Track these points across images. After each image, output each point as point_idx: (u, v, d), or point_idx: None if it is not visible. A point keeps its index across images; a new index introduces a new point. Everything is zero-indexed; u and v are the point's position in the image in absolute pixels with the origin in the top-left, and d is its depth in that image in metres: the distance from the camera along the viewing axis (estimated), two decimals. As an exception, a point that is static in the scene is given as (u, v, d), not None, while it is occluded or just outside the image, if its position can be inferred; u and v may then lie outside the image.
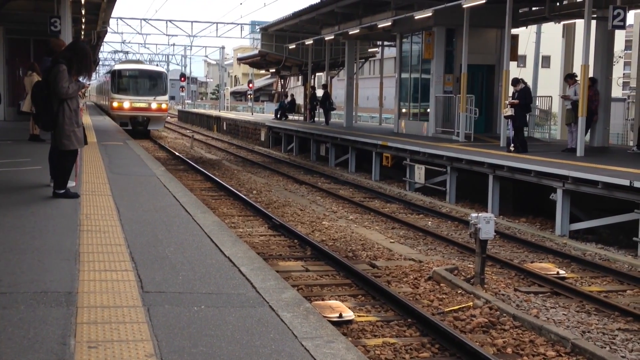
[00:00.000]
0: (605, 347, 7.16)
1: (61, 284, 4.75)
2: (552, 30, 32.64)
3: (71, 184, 8.79)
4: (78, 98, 8.42)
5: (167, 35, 48.29)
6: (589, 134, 18.40)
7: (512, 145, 16.66)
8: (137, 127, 32.95)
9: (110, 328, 3.93)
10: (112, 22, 41.99)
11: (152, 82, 34.39)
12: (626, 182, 11.29)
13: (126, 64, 37.46)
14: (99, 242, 6.12)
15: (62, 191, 8.34)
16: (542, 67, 34.53)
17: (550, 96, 22.00)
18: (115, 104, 33.38)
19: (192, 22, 57.82)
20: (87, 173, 10.84)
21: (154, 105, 33.38)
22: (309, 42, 31.42)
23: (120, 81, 34.28)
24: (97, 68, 59.41)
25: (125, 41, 51.00)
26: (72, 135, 8.16)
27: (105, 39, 42.56)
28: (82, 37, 29.04)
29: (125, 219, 7.20)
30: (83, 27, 26.63)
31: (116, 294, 4.60)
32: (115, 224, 6.96)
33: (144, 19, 47.32)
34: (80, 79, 8.64)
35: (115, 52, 68.23)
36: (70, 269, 5.15)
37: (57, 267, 5.18)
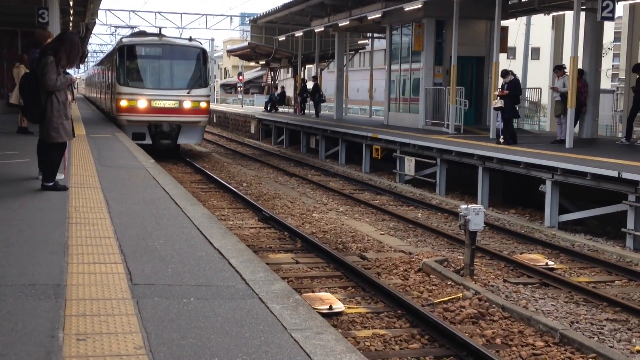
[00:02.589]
0: (593, 337, 7.20)
1: (50, 277, 4.73)
2: (542, 22, 32.70)
3: (60, 176, 8.75)
4: (66, 90, 8.36)
5: (156, 27, 48.10)
6: (578, 125, 18.46)
7: (501, 137, 16.70)
8: (161, 142, 20.81)
9: (99, 320, 3.92)
10: (100, 13, 41.76)
11: (186, 65, 21.75)
12: (614, 174, 11.34)
13: (141, 37, 23.27)
14: (88, 234, 6.10)
15: (51, 184, 8.30)
16: (531, 58, 34.62)
17: (540, 88, 22.06)
18: (123, 103, 20.63)
19: (181, 13, 57.75)
20: (76, 166, 10.79)
21: (187, 105, 20.73)
22: (298, 34, 31.35)
23: (132, 64, 21.53)
24: (86, 61, 58.88)
25: (114, 33, 50.43)
26: (60, 128, 8.11)
27: (93, 31, 42.25)
28: (71, 28, 28.82)
29: (114, 212, 7.18)
30: (71, 18, 26.44)
31: (105, 286, 4.59)
32: (105, 216, 6.94)
33: (133, 11, 47.07)
34: (68, 70, 8.59)
35: (114, 31, 50.92)
36: (59, 262, 5.13)
37: (46, 260, 5.16)
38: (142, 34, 25.17)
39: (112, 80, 22.55)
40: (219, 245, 5.86)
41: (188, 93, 20.80)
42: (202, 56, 21.63)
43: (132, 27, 44.46)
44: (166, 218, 6.99)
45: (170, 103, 20.72)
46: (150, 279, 4.80)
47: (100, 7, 31.70)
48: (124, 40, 22.61)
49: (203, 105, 21.16)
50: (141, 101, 20.59)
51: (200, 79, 21.40)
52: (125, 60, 21.27)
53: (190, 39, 22.55)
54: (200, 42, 23.10)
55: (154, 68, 21.64)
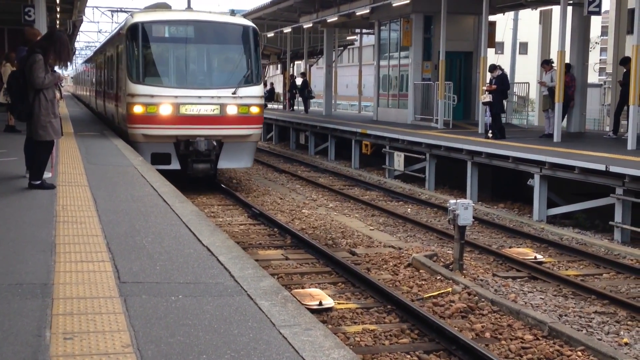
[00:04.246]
0: (581, 330, 7.24)
1: (37, 276, 4.71)
2: (529, 17, 32.78)
3: (47, 175, 8.70)
4: (54, 88, 8.31)
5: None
6: (565, 119, 18.54)
7: (490, 131, 16.74)
8: (195, 167, 14.59)
9: (86, 319, 3.91)
10: (87, 11, 41.52)
11: (229, 51, 15.70)
12: (602, 167, 11.40)
13: (160, 12, 16.26)
14: (76, 233, 6.07)
15: (38, 182, 8.26)
16: (519, 53, 34.73)
17: (528, 82, 22.12)
18: (137, 109, 14.33)
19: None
20: (64, 164, 10.73)
21: (232, 110, 14.58)
22: (287, 30, 31.31)
23: (150, 52, 15.18)
24: (74, 58, 58.55)
25: (101, 30, 50.04)
26: (48, 126, 8.07)
27: (81, 29, 42.00)
28: (58, 26, 28.65)
29: (102, 210, 7.15)
30: (58, 16, 26.27)
31: (92, 284, 4.57)
32: (92, 214, 6.91)
33: (120, 9, 46.80)
34: (57, 69, 8.54)
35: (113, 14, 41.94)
36: (46, 261, 5.10)
37: (33, 259, 5.14)
38: (161, 6, 17.35)
39: (119, 76, 15.81)
40: (208, 242, 5.84)
41: (234, 94, 14.33)
42: (252, 38, 15.03)
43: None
44: (154, 215, 6.97)
45: (208, 109, 14.29)
46: (138, 276, 4.79)
47: (87, 5, 31.52)
48: (137, 16, 15.45)
49: (254, 110, 14.66)
50: (165, 106, 14.04)
51: (250, 72, 14.94)
52: (140, 46, 14.66)
53: (232, 13, 17.39)
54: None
55: (183, 57, 15.13)
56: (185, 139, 14.34)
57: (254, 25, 15.53)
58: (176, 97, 14.20)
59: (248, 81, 14.88)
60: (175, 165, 14.47)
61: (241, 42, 15.21)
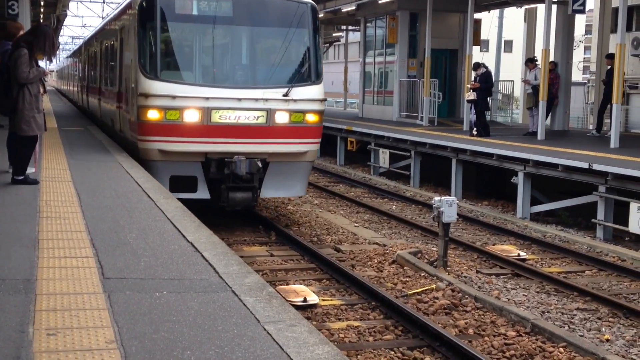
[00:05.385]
0: (564, 327, 7.31)
1: (20, 271, 4.68)
2: (514, 15, 32.92)
3: (30, 170, 8.63)
4: (39, 83, 8.25)
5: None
6: (549, 117, 18.67)
7: (474, 129, 16.82)
8: (232, 196, 10.72)
9: (70, 315, 3.89)
10: (72, 5, 41.17)
11: (279, 37, 11.44)
12: (585, 165, 11.49)
13: None
14: (59, 228, 6.03)
15: (21, 177, 8.19)
16: (504, 51, 34.86)
17: (512, 80, 22.25)
18: (152, 114, 10.55)
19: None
20: (47, 159, 10.66)
21: (282, 118, 10.83)
22: (273, 26, 31.18)
23: (172, 35, 11.36)
24: (58, 53, 58.00)
25: (85, 25, 49.64)
26: (31, 121, 8.01)
27: (65, 23, 41.70)
28: (42, 20, 28.42)
29: (86, 206, 7.11)
30: (42, 9, 26.06)
31: (76, 280, 4.55)
32: (76, 210, 6.87)
33: (105, 2, 46.43)
34: (41, 63, 8.48)
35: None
36: (29, 256, 5.07)
37: (16, 255, 5.10)
38: None
39: (126, 69, 12.07)
40: (193, 238, 5.83)
41: (286, 95, 10.67)
42: (311, 20, 11.26)
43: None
44: (139, 211, 6.94)
45: (250, 116, 10.60)
46: (122, 272, 4.77)
47: (72, -1, 31.22)
48: None
49: (312, 119, 10.93)
50: (191, 112, 10.43)
51: (309, 66, 11.23)
52: (158, 28, 10.88)
53: None
54: None
55: (217, 43, 11.50)
56: (219, 157, 10.58)
57: (313, 3, 11.44)
58: (207, 98, 10.42)
59: (305, 78, 11.09)
60: (202, 193, 10.76)
61: (297, 24, 11.19)
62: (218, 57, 11.56)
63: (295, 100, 10.70)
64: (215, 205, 10.89)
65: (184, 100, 10.39)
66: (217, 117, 10.46)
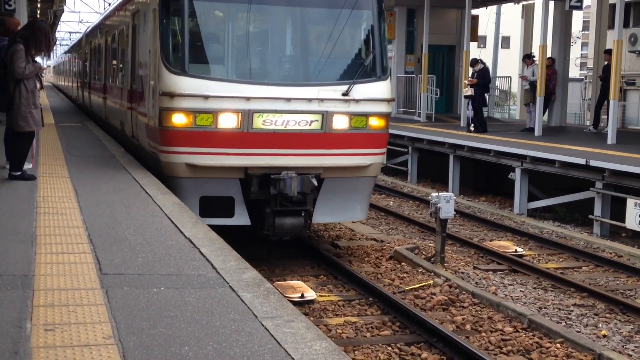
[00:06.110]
0: (561, 323, 7.33)
1: (17, 267, 4.68)
2: (512, 11, 32.92)
3: (28, 166, 8.62)
4: (35, 79, 8.24)
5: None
6: (547, 113, 18.68)
7: (472, 125, 16.82)
8: (278, 221, 8.64)
9: (67, 310, 3.89)
10: (69, 0, 41.08)
11: (336, 24, 8.98)
12: (582, 161, 11.51)
13: None
14: (57, 224, 6.03)
15: (18, 173, 8.18)
16: (502, 47, 34.87)
17: (510, 76, 22.25)
18: (177, 119, 8.44)
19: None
20: (45, 155, 10.64)
21: (341, 123, 8.74)
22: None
23: (202, 21, 9.13)
24: (55, 49, 57.83)
25: (82, 20, 49.48)
26: (28, 117, 7.99)
27: (62, 18, 41.58)
28: (39, 15, 28.35)
29: (83, 201, 7.10)
30: (39, 5, 26.00)
31: (74, 276, 4.55)
32: (73, 205, 6.86)
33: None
34: (38, 59, 8.46)
35: None
36: (27, 252, 5.06)
37: (13, 250, 5.10)
38: None
39: (144, 62, 9.94)
40: (190, 234, 5.83)
41: (346, 94, 8.72)
42: (376, 4, 9.21)
43: None
44: (136, 207, 6.93)
45: (302, 120, 8.64)
46: (119, 268, 4.77)
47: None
48: None
49: (375, 123, 8.98)
50: (227, 116, 8.49)
51: (373, 58, 9.11)
52: (186, 12, 8.76)
53: None
54: None
55: (260, 31, 9.73)
56: (262, 173, 8.64)
57: None
58: (247, 99, 8.43)
59: (368, 73, 9.01)
60: (241, 218, 8.84)
61: (359, 8, 9.13)
62: (261, 47, 9.51)
63: (357, 101, 8.69)
64: (258, 234, 8.95)
65: (219, 101, 8.39)
66: (260, 123, 8.44)
